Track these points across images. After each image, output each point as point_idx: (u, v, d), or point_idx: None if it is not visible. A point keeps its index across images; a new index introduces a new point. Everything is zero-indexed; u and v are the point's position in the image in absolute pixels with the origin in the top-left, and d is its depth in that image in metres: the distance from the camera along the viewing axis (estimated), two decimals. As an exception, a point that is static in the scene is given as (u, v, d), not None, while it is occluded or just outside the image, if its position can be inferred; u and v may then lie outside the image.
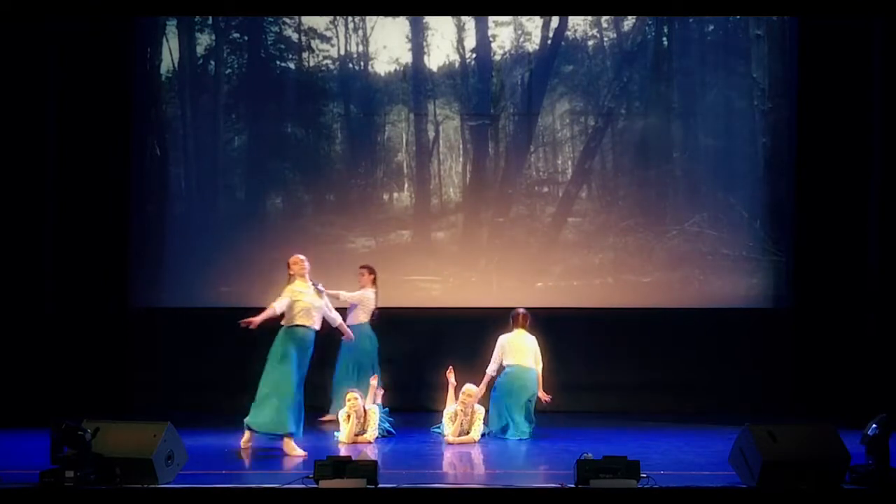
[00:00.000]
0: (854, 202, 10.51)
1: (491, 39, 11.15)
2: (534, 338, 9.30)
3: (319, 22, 11.17)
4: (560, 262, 11.11)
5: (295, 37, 11.24)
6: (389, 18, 11.07)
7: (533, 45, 11.14)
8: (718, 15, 10.98)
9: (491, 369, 9.25)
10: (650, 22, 11.13)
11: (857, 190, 10.49)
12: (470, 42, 11.18)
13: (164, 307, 11.01)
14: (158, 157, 11.22)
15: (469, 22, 11.14)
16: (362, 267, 10.18)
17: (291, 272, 8.37)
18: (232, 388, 9.59)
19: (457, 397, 9.01)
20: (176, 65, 11.22)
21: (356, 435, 8.69)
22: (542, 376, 9.26)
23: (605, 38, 11.19)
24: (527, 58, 11.15)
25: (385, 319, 10.12)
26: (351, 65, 11.22)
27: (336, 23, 11.17)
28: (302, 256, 8.44)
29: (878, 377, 10.01)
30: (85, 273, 10.62)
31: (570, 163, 11.25)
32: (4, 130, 10.22)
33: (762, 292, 11.01)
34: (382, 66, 11.18)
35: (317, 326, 8.34)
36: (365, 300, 10.00)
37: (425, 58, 11.16)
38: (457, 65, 11.20)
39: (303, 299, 8.23)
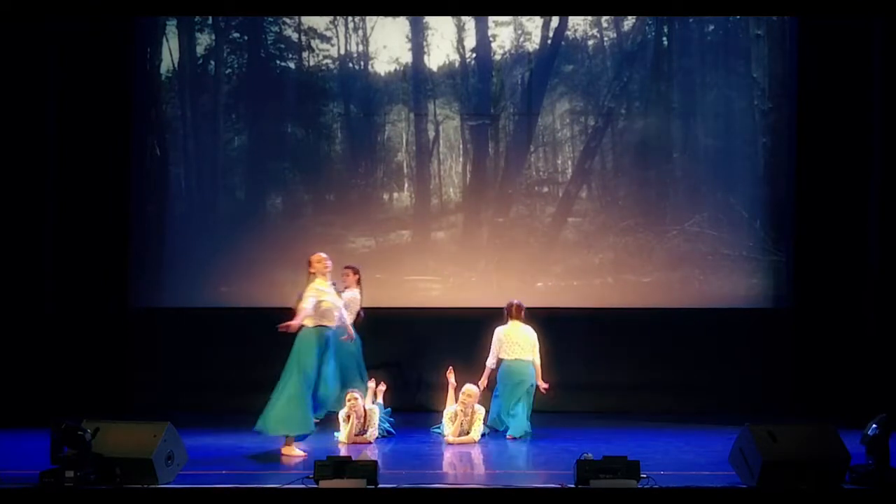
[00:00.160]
0: (854, 202, 10.52)
1: (491, 39, 11.15)
2: (530, 327, 9.29)
3: (319, 22, 11.16)
4: (560, 261, 11.11)
5: (295, 37, 11.24)
6: (389, 18, 11.06)
7: (533, 44, 11.14)
8: (718, 15, 10.98)
9: (490, 362, 9.26)
10: (650, 22, 11.12)
11: (857, 190, 10.50)
12: (470, 42, 11.18)
13: (164, 307, 10.99)
14: (158, 157, 11.21)
15: (469, 22, 11.13)
16: (347, 267, 9.94)
17: (313, 270, 8.18)
18: (232, 388, 9.60)
19: (457, 398, 9.00)
20: (176, 65, 11.22)
21: (356, 435, 8.69)
22: (540, 367, 9.25)
23: (605, 38, 11.19)
24: (527, 58, 11.14)
25: (385, 319, 10.11)
26: (351, 65, 11.21)
27: (336, 23, 11.17)
28: (324, 255, 8.26)
29: (878, 377, 10.02)
30: (85, 273, 10.62)
31: (570, 163, 11.24)
32: (4, 130, 10.24)
33: (762, 292, 11.00)
34: (382, 65, 11.18)
35: (336, 325, 8.28)
36: (351, 301, 9.94)
37: (425, 58, 11.16)
38: (457, 65, 11.20)
39: (327, 299, 8.13)
